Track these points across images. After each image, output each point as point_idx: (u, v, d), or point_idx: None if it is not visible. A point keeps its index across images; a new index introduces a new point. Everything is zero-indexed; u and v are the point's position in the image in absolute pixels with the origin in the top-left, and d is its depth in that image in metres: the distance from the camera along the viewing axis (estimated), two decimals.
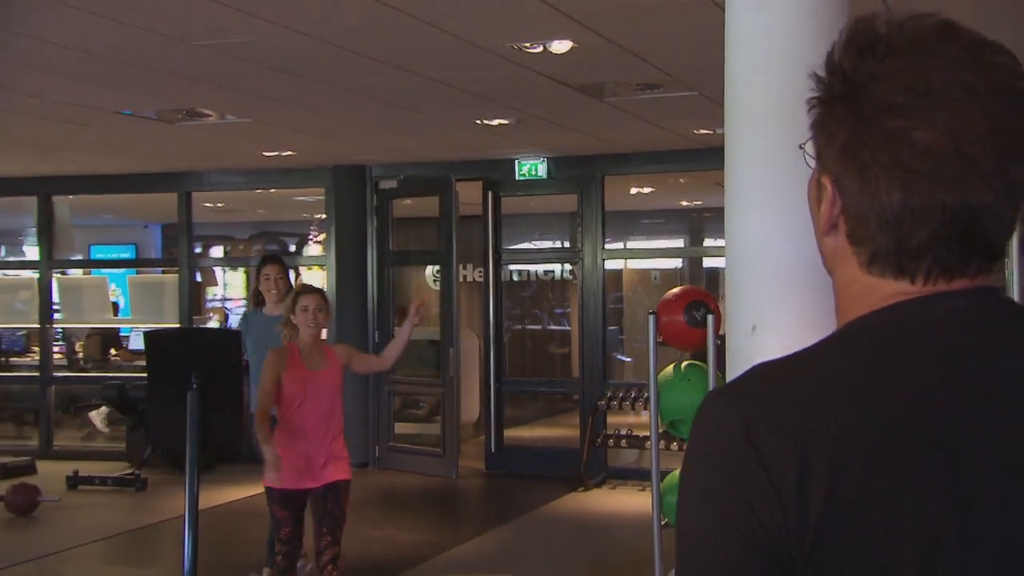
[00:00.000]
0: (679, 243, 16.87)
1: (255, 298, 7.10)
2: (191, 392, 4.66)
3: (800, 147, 1.20)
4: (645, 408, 9.90)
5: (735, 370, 3.61)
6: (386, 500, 9.77)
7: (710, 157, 9.94)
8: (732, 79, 3.65)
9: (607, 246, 10.87)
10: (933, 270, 1.08)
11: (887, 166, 1.05)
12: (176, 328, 6.01)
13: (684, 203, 15.31)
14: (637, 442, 9.99)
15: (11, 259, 18.66)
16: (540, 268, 15.40)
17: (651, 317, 4.05)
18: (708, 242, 16.12)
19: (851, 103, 1.08)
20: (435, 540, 8.00)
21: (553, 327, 15.66)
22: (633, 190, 12.64)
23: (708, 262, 15.13)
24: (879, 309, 1.09)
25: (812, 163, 1.17)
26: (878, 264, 1.10)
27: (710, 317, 4.01)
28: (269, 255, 8.52)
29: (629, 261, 15.69)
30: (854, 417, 1.02)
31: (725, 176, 3.67)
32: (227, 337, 5.34)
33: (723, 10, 5.06)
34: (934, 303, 1.08)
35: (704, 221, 16.37)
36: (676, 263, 16.03)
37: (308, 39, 5.68)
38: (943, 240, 1.06)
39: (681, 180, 12.08)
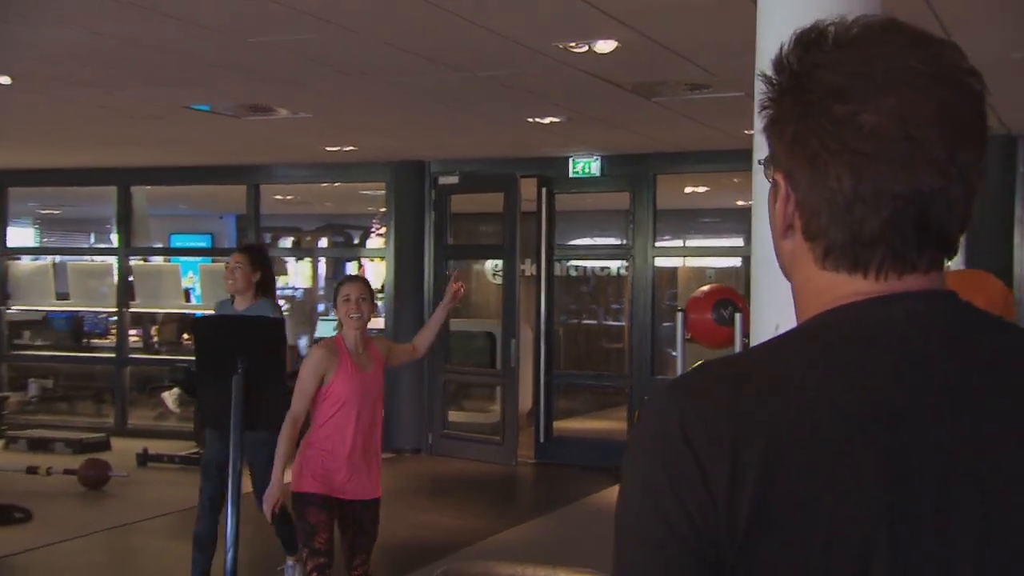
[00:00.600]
0: (738, 242, 16.69)
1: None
2: (236, 376, 4.72)
3: (759, 162, 1.18)
4: None
5: None
6: (435, 486, 9.80)
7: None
8: (764, 54, 3.62)
9: (661, 244, 10.79)
10: (886, 261, 1.04)
11: (836, 152, 1.02)
12: (221, 314, 5.97)
13: (740, 203, 15.14)
14: None
15: (95, 246, 19.06)
16: (597, 264, 15.34)
17: (679, 314, 4.02)
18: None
19: (797, 93, 1.06)
20: (480, 526, 8.00)
21: (609, 322, 15.59)
22: (688, 189, 12.54)
23: None
24: (835, 308, 1.06)
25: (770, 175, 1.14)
26: (832, 258, 1.06)
27: (738, 316, 3.96)
28: (241, 245, 7.96)
29: (687, 259, 15.56)
30: (796, 415, 0.99)
31: (752, 176, 3.64)
32: (271, 324, 5.34)
33: None
34: (892, 304, 1.04)
35: None
36: (734, 262, 15.86)
37: (364, 38, 5.72)
38: (896, 227, 1.02)
39: (735, 180, 11.95)
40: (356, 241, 17.04)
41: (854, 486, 0.97)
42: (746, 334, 4.12)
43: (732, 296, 4.05)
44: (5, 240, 13.07)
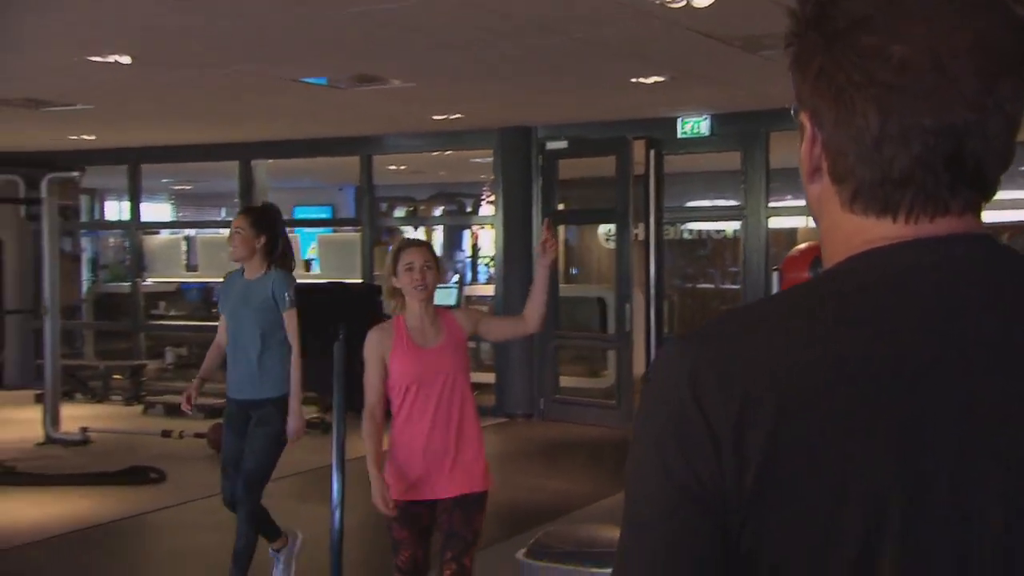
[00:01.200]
0: None
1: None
2: (337, 343, 4.69)
3: (791, 108, 1.07)
4: None
5: None
6: (547, 450, 9.74)
7: None
8: None
9: (776, 204, 10.47)
10: (917, 202, 0.95)
11: (861, 85, 0.94)
12: (323, 282, 5.97)
13: None
14: None
15: (224, 219, 19.55)
16: (712, 227, 15.02)
17: (775, 273, 3.82)
18: None
19: (821, 23, 0.96)
20: (591, 490, 7.88)
21: (725, 285, 15.28)
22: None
23: None
24: (861, 253, 0.97)
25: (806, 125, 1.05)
26: (860, 200, 0.98)
27: None
28: (245, 207, 6.82)
29: (793, 220, 15.12)
30: (811, 370, 0.92)
31: None
32: (369, 291, 5.29)
33: None
34: (923, 248, 0.95)
35: None
36: None
37: (462, 4, 5.61)
38: (927, 165, 0.93)
39: None
40: (468, 209, 17.02)
41: (866, 456, 0.90)
42: None
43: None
44: (139, 215, 13.42)
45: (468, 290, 13.28)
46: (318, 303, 5.12)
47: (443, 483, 4.02)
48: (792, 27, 1.00)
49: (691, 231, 14.99)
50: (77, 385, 11.91)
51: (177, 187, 19.05)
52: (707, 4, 5.55)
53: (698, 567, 0.94)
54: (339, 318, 4.77)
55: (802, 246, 3.97)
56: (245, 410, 5.14)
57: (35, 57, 7.04)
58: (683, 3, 5.56)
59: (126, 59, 6.94)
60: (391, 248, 4.23)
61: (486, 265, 15.74)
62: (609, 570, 2.74)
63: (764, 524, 0.92)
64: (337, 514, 4.70)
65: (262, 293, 5.07)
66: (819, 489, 0.90)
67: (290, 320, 4.98)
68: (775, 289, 3.90)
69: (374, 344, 4.05)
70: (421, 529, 4.09)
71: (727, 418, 0.92)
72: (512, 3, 5.67)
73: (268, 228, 5.11)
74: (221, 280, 5.49)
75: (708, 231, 15.16)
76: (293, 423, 5.04)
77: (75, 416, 10.20)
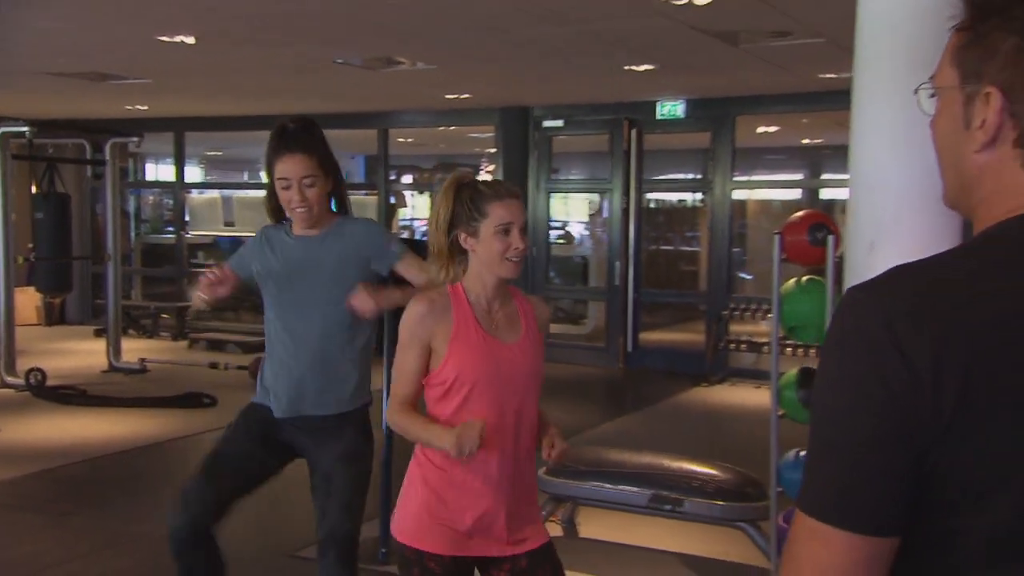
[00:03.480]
0: (799, 177, 16.26)
1: (274, 211, 3.18)
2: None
3: (915, 92, 1.08)
4: (765, 318, 9.65)
5: (852, 282, 3.41)
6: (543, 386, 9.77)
7: (832, 99, 9.41)
8: (863, 29, 3.41)
9: (735, 178, 10.53)
10: None
11: None
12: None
13: (805, 141, 14.69)
14: (755, 347, 9.79)
15: (252, 181, 19.40)
16: (674, 197, 15.08)
17: (776, 237, 3.86)
18: (825, 176, 15.45)
19: (1012, 10, 0.95)
20: (580, 420, 7.96)
21: (683, 248, 15.36)
22: (760, 129, 12.15)
23: (825, 194, 14.51)
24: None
25: (929, 106, 1.06)
26: None
27: (830, 238, 3.79)
28: (286, 132, 3.04)
29: (754, 192, 15.20)
30: (990, 318, 0.91)
31: (852, 113, 3.44)
32: (414, 248, 5.27)
33: None
34: None
35: (823, 157, 15.69)
36: (796, 194, 15.45)
37: None
38: None
39: (804, 120, 11.55)
40: None
41: None
42: (837, 255, 3.95)
43: (825, 220, 3.86)
44: (183, 177, 13.35)
45: None
46: None
47: (505, 535, 2.41)
48: (969, 13, 1.00)
49: (656, 201, 15.02)
50: (130, 323, 11.92)
51: (209, 152, 18.87)
52: (706, 2, 5.55)
53: (885, 468, 0.94)
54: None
55: (800, 213, 3.99)
56: (301, 431, 3.09)
57: (108, 36, 6.95)
58: (686, 1, 5.55)
59: (191, 39, 6.86)
60: (453, 189, 2.39)
61: None
62: (623, 486, 2.65)
63: (959, 448, 0.91)
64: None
65: (343, 252, 3.03)
66: (1006, 427, 0.90)
67: (408, 267, 3.07)
68: (773, 249, 3.95)
69: (417, 320, 2.37)
70: None
71: (925, 361, 0.91)
72: None
73: (335, 167, 3.10)
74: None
75: (670, 201, 15.22)
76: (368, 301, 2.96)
77: (132, 349, 10.21)
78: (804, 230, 3.80)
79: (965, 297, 0.93)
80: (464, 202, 2.39)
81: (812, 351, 7.35)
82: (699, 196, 13.54)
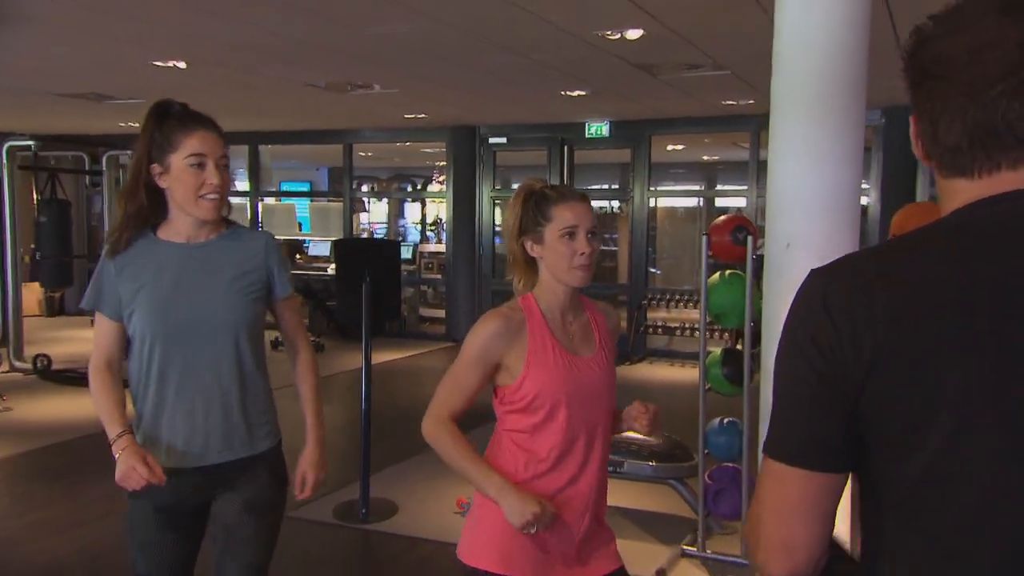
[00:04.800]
0: (699, 187, 16.50)
1: (138, 213, 2.12)
2: (365, 283, 4.62)
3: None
4: (685, 306, 9.79)
5: (771, 277, 3.43)
6: None
7: (731, 122, 9.58)
8: (779, 61, 3.41)
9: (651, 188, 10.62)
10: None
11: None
12: (355, 237, 5.80)
13: (705, 157, 14.89)
14: (669, 331, 9.96)
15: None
16: (599, 204, 15.15)
17: (704, 237, 3.88)
18: (720, 187, 15.69)
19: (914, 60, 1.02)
20: None
21: (606, 248, 15.47)
22: (669, 147, 12.27)
23: (720, 202, 14.75)
24: (957, 209, 0.99)
25: None
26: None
27: (749, 238, 3.82)
28: (186, 109, 2.17)
29: (661, 200, 15.36)
30: (917, 282, 0.94)
31: (770, 133, 3.45)
32: (389, 245, 5.21)
33: (762, 8, 4.77)
34: (999, 203, 0.96)
35: (718, 171, 15.93)
36: (693, 202, 15.66)
37: (450, 27, 5.47)
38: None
39: (705, 140, 11.70)
40: (419, 187, 16.81)
41: (964, 335, 0.90)
42: (755, 251, 3.97)
43: (745, 223, 3.88)
44: None
45: (422, 247, 13.11)
46: (351, 252, 5.04)
47: (595, 557, 2.00)
48: (906, 62, 1.02)
49: None
50: None
51: None
52: (637, 37, 5.55)
53: (823, 415, 0.97)
54: (366, 264, 4.71)
55: (723, 217, 4.01)
56: (210, 483, 2.18)
57: (107, 61, 6.69)
58: (619, 35, 5.54)
59: (183, 64, 6.64)
60: (522, 197, 2.01)
61: (432, 231, 15.58)
62: None
63: (879, 398, 0.93)
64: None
65: (238, 264, 2.16)
66: (918, 376, 0.91)
67: (292, 312, 2.30)
68: (703, 246, 3.95)
69: (491, 338, 1.93)
70: None
71: (848, 321, 0.94)
72: (492, 29, 5.56)
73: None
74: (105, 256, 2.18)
75: (597, 207, 15.32)
76: (315, 472, 2.29)
77: None
78: (728, 231, 3.83)
79: (897, 268, 0.96)
80: (530, 208, 1.99)
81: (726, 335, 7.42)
82: (617, 203, 13.66)
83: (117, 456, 2.04)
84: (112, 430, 2.07)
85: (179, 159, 2.08)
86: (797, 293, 1.02)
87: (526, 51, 6.16)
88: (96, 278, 2.16)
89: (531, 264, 2.00)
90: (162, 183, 2.11)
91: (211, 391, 2.14)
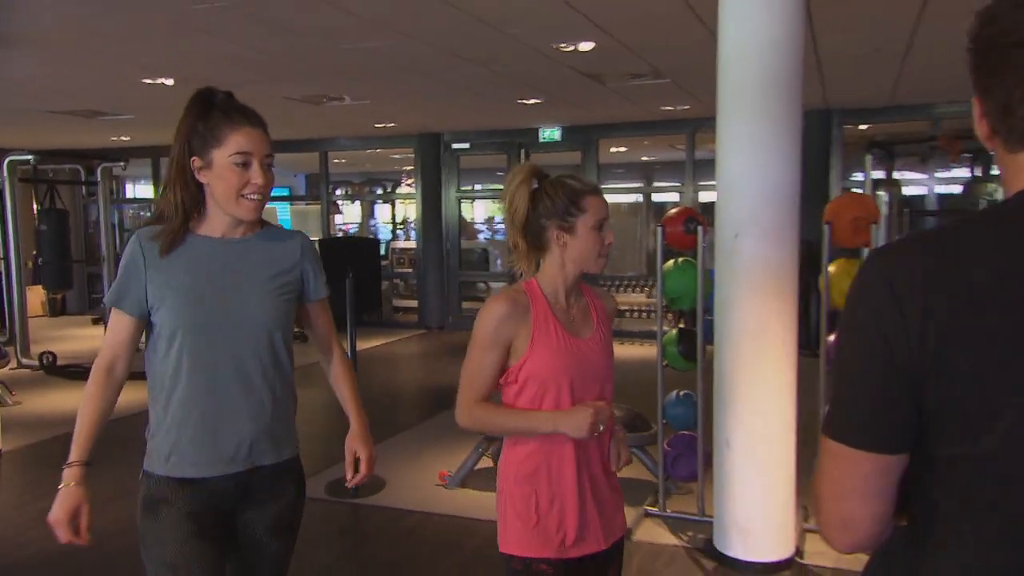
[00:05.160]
0: (639, 185, 16.52)
1: (181, 206, 1.78)
2: (348, 278, 4.50)
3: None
4: (633, 290, 9.78)
5: (721, 265, 3.40)
6: (454, 350, 9.62)
7: (668, 126, 9.57)
8: (725, 68, 3.37)
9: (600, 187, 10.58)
10: None
11: None
12: (341, 236, 5.65)
13: (644, 158, 14.90)
14: (619, 313, 9.94)
15: None
16: None
17: (659, 228, 3.82)
18: (656, 184, 15.73)
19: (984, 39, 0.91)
20: None
21: None
22: (612, 149, 12.23)
23: (656, 197, 14.78)
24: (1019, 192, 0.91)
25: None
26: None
27: (699, 228, 3.77)
28: (231, 100, 1.82)
29: (607, 197, 15.31)
30: (983, 265, 0.86)
31: (717, 129, 3.41)
32: (369, 243, 5.07)
33: (703, 23, 4.72)
34: None
35: (655, 170, 15.95)
36: (637, 198, 15.67)
37: (419, 42, 5.33)
38: None
39: (645, 142, 11.69)
40: (389, 189, 16.59)
41: (1016, 338, 0.83)
42: (705, 241, 3.92)
43: (695, 215, 3.84)
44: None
45: (393, 244, 12.93)
46: (335, 250, 4.90)
47: (605, 528, 1.88)
48: (973, 43, 0.93)
49: None
50: None
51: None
52: (589, 49, 5.48)
53: (887, 398, 0.90)
54: (349, 260, 4.59)
55: (676, 210, 3.96)
56: (238, 492, 1.85)
57: (99, 80, 6.42)
58: (573, 48, 5.46)
59: (170, 81, 6.39)
60: (530, 181, 1.84)
61: (400, 229, 15.39)
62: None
63: (946, 384, 0.87)
64: None
65: (275, 264, 1.87)
66: (991, 347, 0.85)
67: (326, 314, 2.02)
68: (659, 236, 3.89)
69: (501, 321, 1.78)
70: None
71: (913, 301, 0.87)
72: (457, 42, 5.44)
73: None
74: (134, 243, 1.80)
75: None
76: (367, 447, 1.96)
77: None
78: (680, 222, 3.78)
79: (956, 252, 0.88)
80: (556, 196, 1.80)
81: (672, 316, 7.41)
82: None
83: (60, 488, 1.74)
84: (73, 452, 1.76)
85: (223, 156, 1.74)
86: (859, 277, 0.94)
87: (488, 63, 6.05)
88: (123, 272, 1.78)
89: (536, 251, 1.85)
90: (201, 178, 1.76)
91: (244, 392, 1.79)
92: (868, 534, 0.94)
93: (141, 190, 16.75)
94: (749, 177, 3.29)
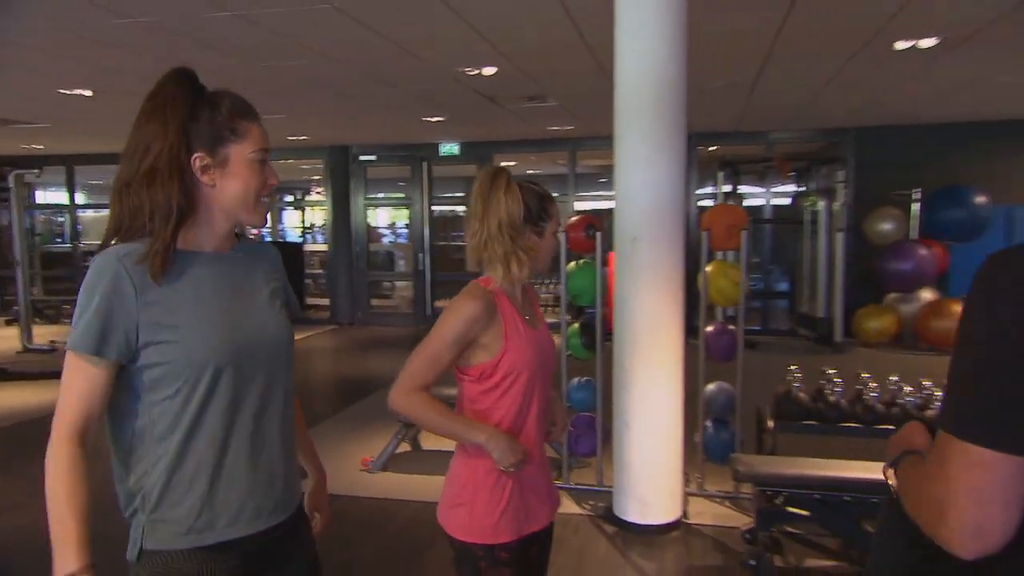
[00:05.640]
0: None
1: (179, 209, 1.24)
2: None
3: None
4: (546, 288, 9.74)
5: (620, 268, 3.36)
6: (363, 345, 9.30)
7: (554, 144, 9.61)
8: (620, 93, 3.33)
9: None
10: None
11: None
12: (269, 241, 5.21)
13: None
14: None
15: None
16: (452, 208, 14.88)
17: (563, 234, 3.75)
18: None
19: None
20: (396, 367, 7.61)
21: (460, 244, 15.16)
22: (504, 163, 12.18)
23: None
24: None
25: None
26: None
27: (598, 234, 3.73)
28: (248, 105, 1.38)
29: None
30: None
31: (615, 148, 3.37)
32: (294, 247, 4.72)
33: (592, 55, 4.69)
34: None
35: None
36: None
37: (336, 63, 5.04)
38: None
39: (532, 158, 11.70)
40: (299, 197, 15.87)
41: None
42: (604, 246, 3.88)
43: (594, 221, 3.79)
44: (75, 200, 11.35)
45: (307, 246, 12.33)
46: None
47: (545, 507, 1.73)
48: None
49: (441, 212, 14.77)
50: (36, 313, 10.09)
51: (91, 181, 16.39)
52: (491, 74, 5.35)
53: (1009, 381, 0.81)
54: None
55: (577, 217, 3.89)
56: (264, 554, 1.31)
57: (13, 89, 5.69)
58: (477, 72, 5.32)
59: (88, 92, 5.75)
60: (514, 186, 1.68)
61: (309, 233, 14.74)
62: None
63: None
64: None
65: (267, 278, 1.41)
66: None
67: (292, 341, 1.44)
68: (562, 241, 3.81)
69: (472, 321, 1.59)
70: (530, 570, 1.71)
71: (1016, 300, 0.81)
72: (370, 64, 5.19)
73: None
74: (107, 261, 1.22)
75: (452, 211, 15.04)
76: (327, 509, 1.65)
77: (40, 334, 8.64)
78: (581, 228, 3.72)
79: None
80: (530, 202, 1.67)
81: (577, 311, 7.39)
82: (463, 208, 13.43)
83: None
84: (74, 557, 1.15)
85: (244, 152, 1.30)
86: (980, 279, 0.84)
87: (400, 84, 5.82)
88: (100, 306, 1.19)
89: (511, 253, 1.63)
90: (205, 178, 1.27)
91: (278, 430, 1.32)
92: (1000, 541, 0.81)
93: (52, 196, 15.25)
94: (641, 191, 3.27)
